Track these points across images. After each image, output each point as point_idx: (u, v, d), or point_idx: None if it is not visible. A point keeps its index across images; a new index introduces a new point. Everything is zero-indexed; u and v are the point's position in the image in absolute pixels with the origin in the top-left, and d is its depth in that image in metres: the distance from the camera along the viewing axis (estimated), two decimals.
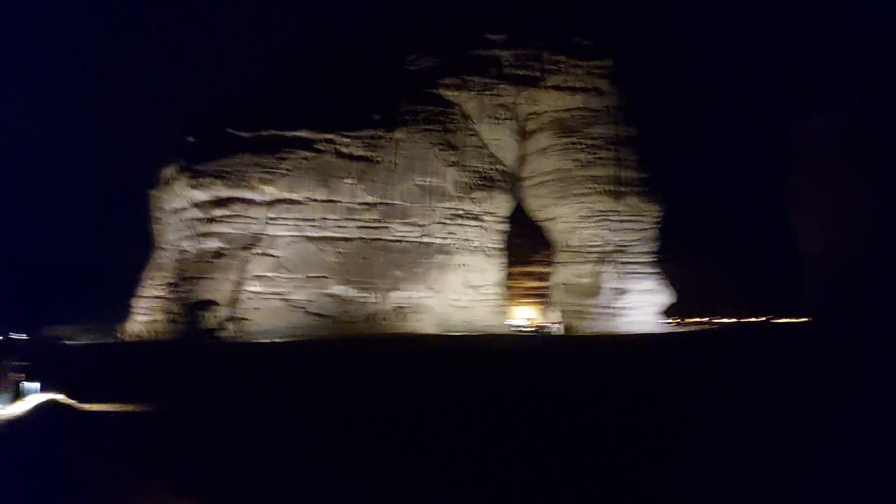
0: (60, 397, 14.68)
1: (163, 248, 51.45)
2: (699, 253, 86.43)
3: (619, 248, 56.74)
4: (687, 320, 75.63)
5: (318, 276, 47.80)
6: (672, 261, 73.73)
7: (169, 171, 49.45)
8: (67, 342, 52.81)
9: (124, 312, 52.09)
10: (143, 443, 12.20)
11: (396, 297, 50.04)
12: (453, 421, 15.01)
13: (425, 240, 51.26)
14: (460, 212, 52.70)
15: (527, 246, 75.90)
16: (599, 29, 58.04)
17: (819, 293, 62.83)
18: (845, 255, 57.88)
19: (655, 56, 63.15)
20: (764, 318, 78.59)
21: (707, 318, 79.52)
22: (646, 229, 57.84)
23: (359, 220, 49.19)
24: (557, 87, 56.14)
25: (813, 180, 60.17)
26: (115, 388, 19.41)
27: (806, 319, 69.57)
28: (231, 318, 44.87)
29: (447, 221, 52.06)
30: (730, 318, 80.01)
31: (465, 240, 52.84)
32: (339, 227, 48.69)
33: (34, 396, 14.77)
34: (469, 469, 10.79)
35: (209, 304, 44.93)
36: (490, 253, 54.52)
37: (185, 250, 47.79)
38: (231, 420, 15.41)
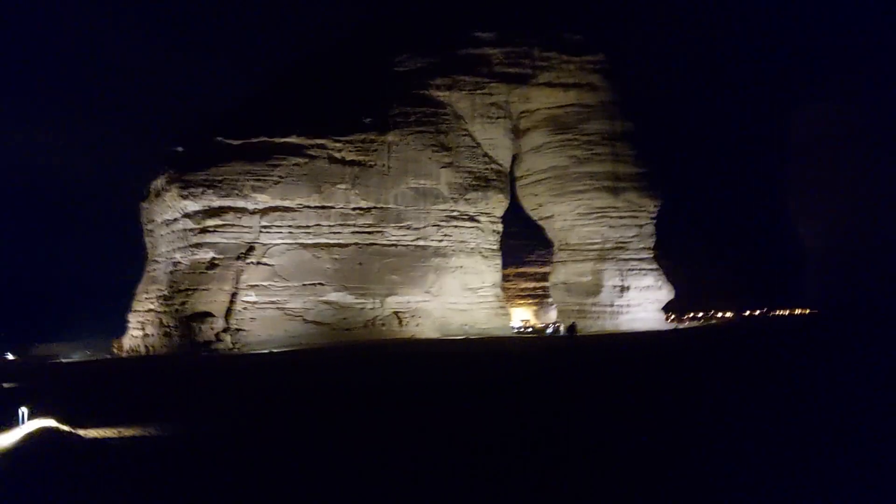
0: (52, 423, 13.83)
1: (156, 261, 50.53)
2: (696, 247, 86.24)
3: (619, 245, 56.27)
4: (687, 316, 75.39)
5: (314, 284, 47.01)
6: (670, 256, 73.52)
7: (159, 182, 48.55)
8: (61, 360, 51.72)
9: (121, 327, 51.24)
10: (146, 470, 11.45)
11: (394, 302, 49.33)
12: (460, 426, 14.49)
13: (421, 243, 50.57)
14: (455, 213, 52.06)
15: (520, 246, 75.51)
16: (590, 23, 57.68)
17: (820, 284, 62.64)
18: (846, 246, 57.70)
19: (649, 48, 62.77)
20: (763, 311, 78.57)
21: (707, 313, 79.32)
22: (644, 225, 57.44)
23: (353, 225, 48.44)
24: (550, 84, 55.65)
25: (812, 171, 60.06)
26: (111, 409, 18.61)
27: (808, 311, 69.47)
28: (227, 330, 44.01)
29: (442, 224, 51.39)
30: (729, 312, 79.86)
31: (461, 241, 52.19)
32: (334, 233, 47.93)
33: (25, 424, 13.91)
34: (478, 475, 10.49)
35: (204, 315, 44.04)
36: (486, 254, 53.90)
37: (179, 262, 46.88)
38: (233, 436, 14.72)
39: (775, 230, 79.29)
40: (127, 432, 14.87)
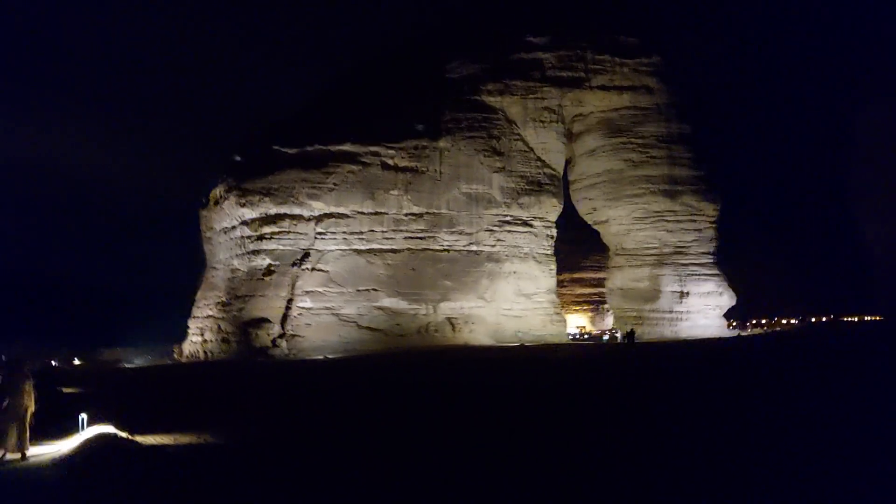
0: (111, 430, 14.06)
1: (214, 268, 51.84)
2: (760, 252, 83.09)
3: (677, 250, 54.65)
4: (749, 322, 72.73)
5: (367, 290, 47.28)
6: (732, 261, 70.99)
7: (218, 191, 49.86)
8: (123, 365, 53.56)
9: (182, 333, 52.70)
10: (200, 478, 11.46)
11: (447, 308, 49.12)
12: (515, 435, 14.12)
13: (473, 248, 50.26)
14: (508, 218, 51.56)
15: (575, 252, 74.23)
16: (645, 25, 56.38)
17: (889, 290, 59.35)
18: None
19: (705, 50, 60.83)
20: (829, 318, 75.05)
21: (770, 320, 76.37)
22: (703, 229, 55.60)
23: (406, 230, 48.55)
24: (604, 87, 54.60)
25: (880, 174, 57.06)
26: (169, 415, 18.93)
27: (878, 318, 65.96)
28: (283, 335, 44.66)
29: (495, 228, 50.97)
30: (793, 319, 76.65)
31: (515, 247, 51.62)
32: (387, 238, 48.15)
33: (84, 431, 14.18)
34: (534, 484, 10.19)
35: (261, 321, 44.83)
36: (540, 259, 53.15)
37: (237, 268, 47.96)
38: (287, 443, 14.70)
39: (842, 234, 75.76)
40: (183, 439, 14.99)
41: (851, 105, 60.08)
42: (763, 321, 75.37)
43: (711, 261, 55.73)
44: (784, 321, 75.71)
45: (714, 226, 56.08)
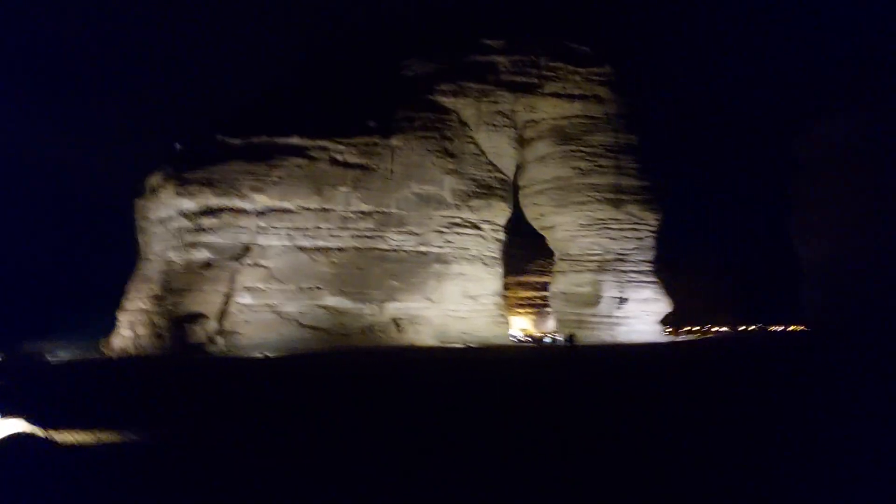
0: (23, 425, 12.91)
1: (148, 259, 49.60)
2: (695, 261, 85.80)
3: (618, 257, 55.90)
4: (683, 329, 74.95)
5: (311, 287, 46.16)
6: (669, 269, 73.03)
7: (155, 179, 47.73)
8: (46, 359, 50.61)
9: (110, 326, 50.18)
10: (120, 479, 10.58)
11: (393, 308, 48.49)
12: (457, 437, 13.76)
13: (422, 249, 49.82)
14: (458, 220, 51.35)
15: (521, 256, 74.89)
16: (599, 35, 57.28)
17: (819, 302, 62.10)
18: (846, 264, 57.17)
19: (657, 62, 62.34)
20: (758, 326, 78.23)
21: (703, 327, 78.90)
22: (644, 237, 57.08)
23: (353, 229, 47.65)
24: (556, 95, 55.16)
25: (815, 190, 59.52)
26: (92, 412, 17.72)
27: (803, 328, 69.00)
28: (220, 332, 43.08)
29: (444, 230, 50.67)
30: (725, 326, 79.51)
31: (463, 249, 51.47)
32: (334, 236, 47.13)
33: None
34: (473, 485, 10.04)
35: (197, 317, 43.13)
36: (488, 262, 53.20)
37: (172, 261, 45.98)
38: (217, 444, 13.88)
39: (775, 246, 79.01)
40: (106, 437, 13.98)
41: (792, 122, 62.64)
42: (696, 328, 77.82)
43: (650, 268, 57.33)
44: (715, 328, 78.46)
45: (654, 235, 57.68)
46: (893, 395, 19.91)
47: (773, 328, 76.47)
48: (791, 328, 73.27)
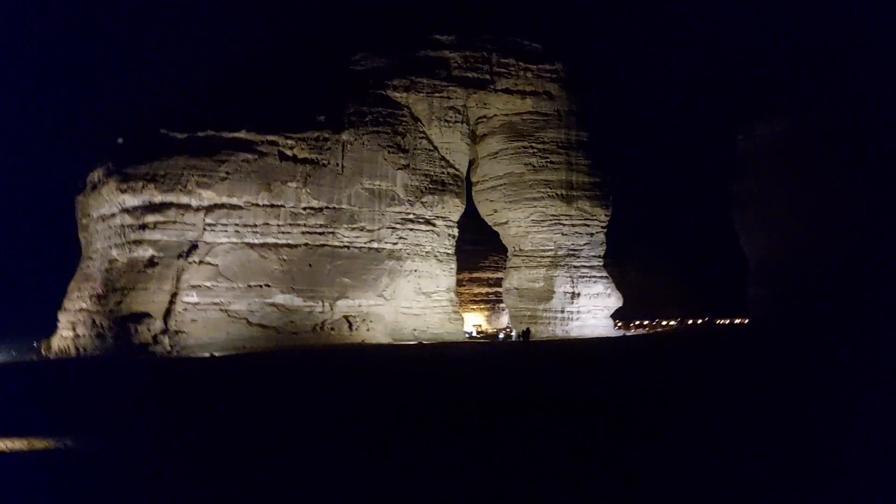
0: None
1: (90, 258, 47.77)
2: (644, 257, 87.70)
3: (570, 252, 56.63)
4: (633, 323, 76.47)
5: (260, 285, 45.19)
6: (619, 264, 74.43)
7: (97, 175, 45.94)
8: None
9: (50, 327, 48.13)
10: (52, 489, 10.04)
11: (345, 306, 47.94)
12: (412, 436, 13.59)
13: (375, 245, 49.37)
14: (411, 216, 51.09)
15: (474, 252, 75.15)
16: (550, 32, 57.77)
17: (761, 296, 64.03)
18: (787, 260, 59.06)
19: (605, 60, 63.38)
20: (705, 320, 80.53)
21: (652, 321, 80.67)
22: (595, 233, 58.03)
23: (304, 225, 46.81)
24: (508, 91, 55.44)
25: (757, 185, 61.33)
26: (25, 417, 16.87)
27: (746, 321, 71.31)
28: (166, 332, 41.74)
29: (397, 226, 50.33)
30: (673, 320, 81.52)
31: (417, 245, 51.25)
32: (283, 232, 46.22)
33: None
34: (432, 484, 9.97)
35: (141, 316, 41.68)
36: (441, 258, 53.14)
37: (115, 259, 44.36)
38: (167, 448, 13.36)
39: (722, 241, 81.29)
40: (39, 444, 13.31)
41: (736, 118, 64.45)
42: (645, 322, 79.53)
43: (600, 263, 58.34)
44: (664, 322, 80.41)
45: (604, 230, 58.69)
46: (828, 386, 20.67)
47: (719, 322, 78.87)
48: (736, 322, 75.66)
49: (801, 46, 57.05)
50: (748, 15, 67.53)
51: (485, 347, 47.67)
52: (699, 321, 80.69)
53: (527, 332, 46.42)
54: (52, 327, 48.01)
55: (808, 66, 55.66)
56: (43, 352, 48.10)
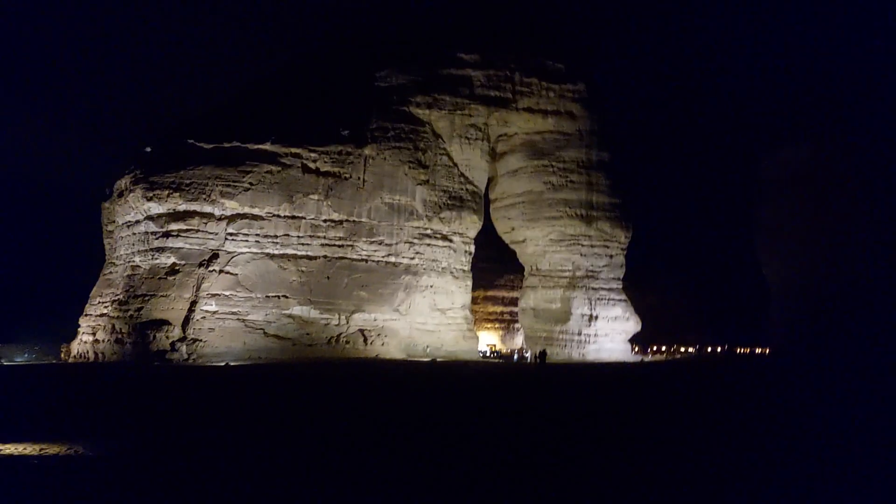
0: None
1: (113, 263, 48.56)
2: (665, 281, 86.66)
3: (589, 274, 56.03)
4: (650, 348, 75.43)
5: (278, 296, 45.55)
6: (639, 287, 73.65)
7: (124, 182, 46.77)
8: (1, 363, 49.02)
9: (73, 331, 48.88)
10: (59, 497, 10.16)
11: (360, 319, 48.07)
12: (424, 454, 13.51)
13: (392, 259, 49.55)
14: (429, 231, 51.24)
15: (490, 270, 74.78)
16: (573, 53, 57.92)
17: (782, 323, 62.98)
18: (808, 287, 58.14)
19: (628, 82, 63.36)
20: (724, 348, 79.12)
21: (670, 347, 79.53)
22: (615, 255, 57.39)
23: (323, 237, 47.20)
24: (529, 110, 55.57)
25: (780, 213, 60.62)
26: (39, 421, 17.10)
27: (766, 350, 70.08)
28: (183, 339, 42.18)
29: (415, 241, 50.50)
30: (691, 347, 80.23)
31: (433, 260, 51.32)
32: (303, 244, 46.63)
33: None
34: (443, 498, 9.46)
35: (160, 323, 42.20)
36: (458, 274, 53.10)
37: (137, 266, 45.05)
38: (178, 456, 13.45)
39: (743, 268, 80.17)
40: (51, 450, 13.46)
41: (760, 144, 63.96)
42: (662, 348, 78.38)
43: (619, 286, 57.58)
44: (682, 349, 79.12)
45: (624, 252, 58.02)
46: (847, 417, 20.23)
47: (738, 350, 77.44)
48: (756, 350, 74.29)
49: (826, 73, 56.64)
50: (776, 39, 67.21)
51: (499, 368, 47.30)
52: (718, 348, 79.33)
53: (543, 354, 45.97)
54: (74, 332, 48.72)
55: (831, 93, 55.22)
56: (63, 356, 48.83)
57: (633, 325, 57.58)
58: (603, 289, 56.32)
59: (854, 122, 53.57)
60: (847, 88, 54.69)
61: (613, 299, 56.58)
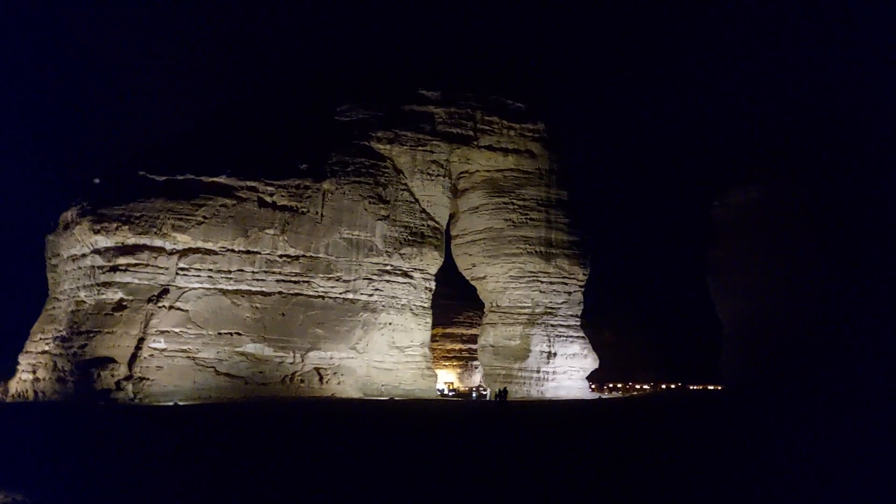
0: None
1: (56, 299, 46.34)
2: (621, 319, 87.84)
3: (548, 311, 56.40)
4: (607, 385, 75.97)
5: (230, 333, 44.02)
6: (593, 325, 74.33)
7: (70, 214, 44.96)
8: None
9: (11, 369, 46.17)
10: None
11: (316, 358, 46.83)
12: (384, 499, 12.88)
13: (350, 296, 48.66)
14: (388, 268, 50.67)
15: (449, 307, 74.42)
16: (533, 93, 59.18)
17: (735, 362, 64.00)
18: (761, 326, 59.34)
19: (586, 122, 65.03)
20: (678, 385, 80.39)
21: (626, 384, 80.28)
22: (573, 292, 58.06)
23: (279, 273, 46.05)
24: (490, 147, 56.30)
25: (731, 252, 62.11)
26: None
27: (719, 388, 71.20)
28: (130, 378, 40.21)
29: (374, 277, 49.81)
30: (647, 384, 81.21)
31: (393, 297, 50.65)
32: (258, 280, 45.37)
33: None
34: None
35: (105, 361, 40.18)
36: (417, 311, 52.50)
37: (83, 301, 43.03)
38: (131, 502, 12.47)
39: (698, 307, 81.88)
40: None
41: (709, 187, 65.87)
42: (618, 385, 79.07)
43: (577, 323, 58.14)
44: (637, 386, 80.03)
45: (582, 289, 58.77)
46: (801, 455, 20.36)
47: (692, 387, 78.80)
48: (709, 388, 75.63)
49: (777, 115, 59.01)
50: (728, 83, 70.10)
51: (458, 406, 46.59)
52: (673, 386, 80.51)
53: (504, 393, 45.52)
54: (12, 370, 46.08)
55: (783, 135, 57.42)
56: (0, 395, 46.06)
57: (590, 362, 57.99)
58: (561, 325, 56.77)
59: (805, 163, 55.62)
60: (799, 129, 56.96)
61: (572, 336, 57.01)
